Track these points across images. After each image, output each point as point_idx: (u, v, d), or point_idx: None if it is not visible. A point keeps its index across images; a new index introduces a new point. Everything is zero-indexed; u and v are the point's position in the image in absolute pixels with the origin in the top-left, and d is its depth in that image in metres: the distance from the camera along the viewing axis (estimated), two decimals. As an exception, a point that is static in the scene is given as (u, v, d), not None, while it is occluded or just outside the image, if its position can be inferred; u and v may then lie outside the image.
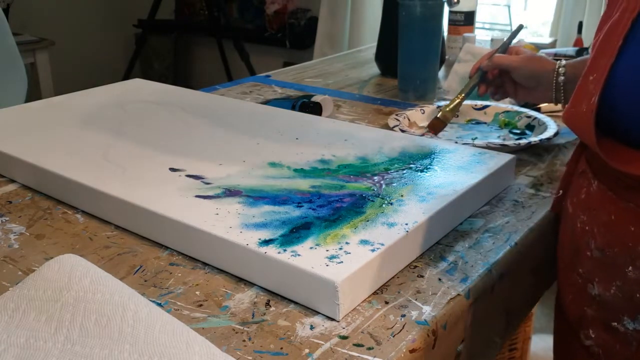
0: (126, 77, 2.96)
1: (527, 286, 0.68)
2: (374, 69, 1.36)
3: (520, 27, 0.99)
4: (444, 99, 1.11)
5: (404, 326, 0.48)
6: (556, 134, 0.86)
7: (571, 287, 0.64)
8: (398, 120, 0.93)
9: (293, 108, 0.96)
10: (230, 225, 0.56)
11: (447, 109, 0.90)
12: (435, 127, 0.90)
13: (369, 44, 1.70)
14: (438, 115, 0.90)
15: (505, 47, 0.93)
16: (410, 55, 1.08)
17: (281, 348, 0.46)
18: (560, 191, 0.68)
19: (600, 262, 0.59)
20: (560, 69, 0.82)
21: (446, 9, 1.15)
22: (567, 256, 0.65)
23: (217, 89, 1.20)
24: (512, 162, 0.73)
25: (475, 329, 0.55)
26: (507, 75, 0.88)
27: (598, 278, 0.60)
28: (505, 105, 1.00)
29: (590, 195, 0.60)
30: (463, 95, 0.91)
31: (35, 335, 0.44)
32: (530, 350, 1.37)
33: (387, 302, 0.51)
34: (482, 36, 1.62)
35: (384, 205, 0.60)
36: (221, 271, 0.56)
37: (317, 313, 0.50)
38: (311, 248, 0.52)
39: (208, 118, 0.87)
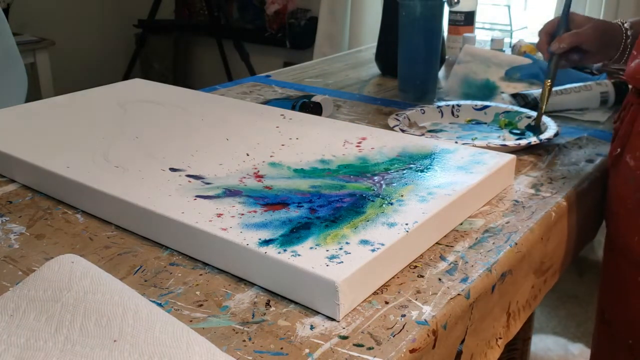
0: (126, 77, 2.96)
1: (528, 287, 0.68)
2: (374, 69, 1.36)
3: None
4: (444, 99, 1.11)
5: (404, 326, 0.48)
6: (556, 134, 0.86)
7: (638, 229, 0.76)
8: (398, 120, 0.93)
9: (293, 108, 0.96)
10: (230, 225, 0.56)
11: (544, 104, 0.90)
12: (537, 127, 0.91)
13: (369, 44, 1.70)
14: (541, 112, 0.90)
15: (565, 21, 0.90)
16: (410, 55, 1.08)
17: (281, 348, 0.46)
18: (618, 149, 0.78)
19: None
20: (628, 32, 0.86)
21: (446, 9, 1.15)
22: (630, 203, 0.76)
23: (217, 89, 1.20)
24: (512, 162, 0.73)
25: (476, 329, 0.55)
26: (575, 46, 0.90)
27: None
28: (506, 105, 1.00)
29: None
30: (550, 82, 0.90)
31: (36, 336, 0.44)
32: (530, 351, 1.37)
33: (387, 302, 0.51)
34: (482, 36, 1.61)
35: (384, 205, 0.60)
36: (221, 271, 0.56)
37: (317, 313, 0.50)
38: (311, 248, 0.52)
39: (208, 118, 0.87)
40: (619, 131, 0.80)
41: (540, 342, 1.73)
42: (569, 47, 0.87)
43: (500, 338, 0.63)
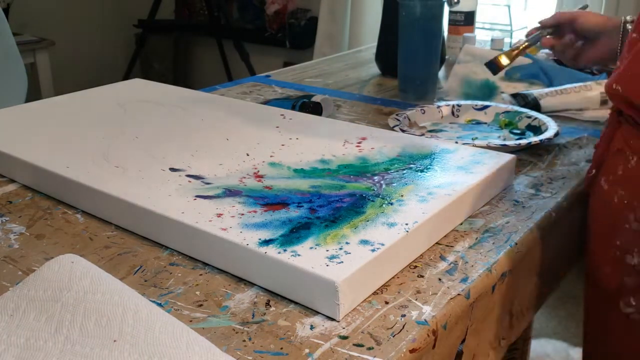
0: (126, 77, 2.96)
1: (530, 287, 0.67)
2: (374, 69, 1.36)
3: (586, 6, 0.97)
4: (444, 99, 1.11)
5: (404, 326, 0.48)
6: (556, 134, 0.86)
7: (609, 260, 0.68)
8: (398, 120, 0.93)
9: (293, 108, 0.96)
10: (230, 225, 0.56)
11: (509, 52, 0.90)
12: (493, 67, 0.91)
13: (369, 44, 1.70)
14: (499, 57, 0.90)
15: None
16: (410, 55, 1.08)
17: (281, 348, 0.46)
18: (594, 170, 0.72)
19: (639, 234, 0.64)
20: (627, 17, 0.82)
21: (446, 9, 1.15)
22: (602, 231, 0.70)
23: (217, 89, 1.20)
24: (512, 162, 0.73)
25: (477, 329, 0.55)
26: (569, 28, 0.88)
27: (637, 248, 0.65)
28: (506, 105, 1.00)
29: (629, 170, 0.65)
30: (525, 44, 0.91)
31: (36, 336, 0.44)
32: (530, 350, 1.37)
33: (387, 302, 0.51)
34: (482, 36, 1.61)
35: (384, 205, 0.60)
36: (221, 271, 0.56)
37: (317, 313, 0.50)
38: (311, 248, 0.52)
39: (208, 118, 0.87)
40: (597, 149, 0.74)
41: (540, 342, 1.72)
42: (555, 21, 0.89)
43: (503, 339, 0.62)
